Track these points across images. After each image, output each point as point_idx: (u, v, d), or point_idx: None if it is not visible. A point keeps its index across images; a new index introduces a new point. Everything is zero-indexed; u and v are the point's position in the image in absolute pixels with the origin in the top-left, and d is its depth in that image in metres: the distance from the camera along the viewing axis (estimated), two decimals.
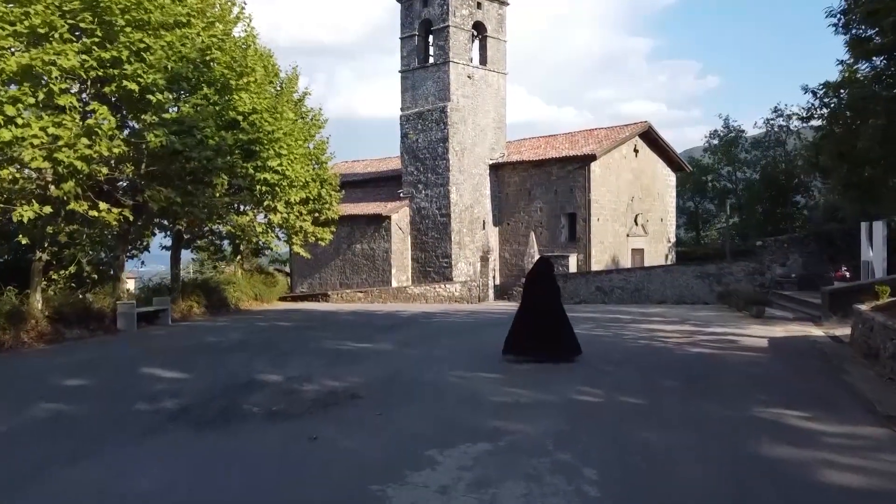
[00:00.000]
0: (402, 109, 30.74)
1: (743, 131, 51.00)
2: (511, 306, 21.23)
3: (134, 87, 12.26)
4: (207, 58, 14.81)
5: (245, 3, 17.79)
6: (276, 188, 18.32)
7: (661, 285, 21.72)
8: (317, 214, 23.24)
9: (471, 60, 29.96)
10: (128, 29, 12.18)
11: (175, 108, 14.69)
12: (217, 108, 15.19)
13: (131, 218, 13.18)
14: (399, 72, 30.87)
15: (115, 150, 11.91)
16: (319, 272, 32.88)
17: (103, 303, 14.78)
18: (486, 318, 16.99)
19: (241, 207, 17.33)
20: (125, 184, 14.24)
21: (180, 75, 13.36)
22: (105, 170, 12.68)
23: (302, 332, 14.05)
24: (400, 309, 20.00)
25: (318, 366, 9.25)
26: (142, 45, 12.44)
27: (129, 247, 17.07)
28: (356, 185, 37.44)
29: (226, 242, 19.76)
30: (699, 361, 9.45)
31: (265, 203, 18.95)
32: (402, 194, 30.96)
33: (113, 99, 13.19)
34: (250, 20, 17.66)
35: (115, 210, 12.58)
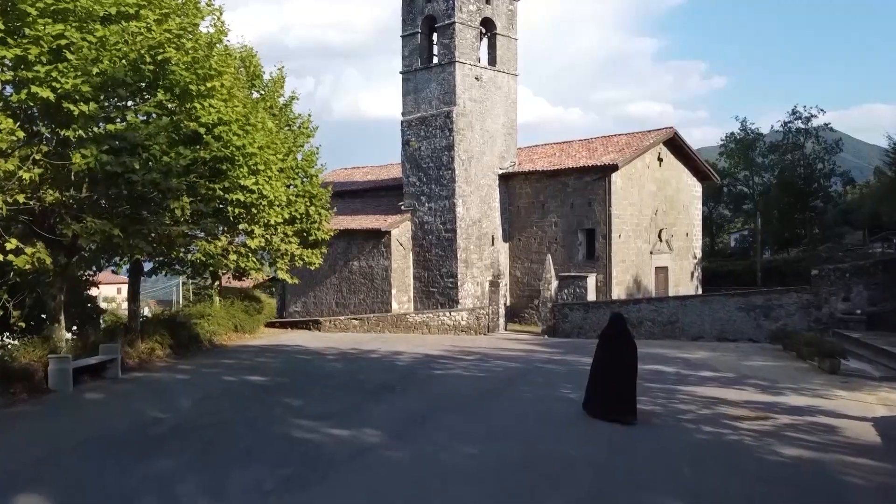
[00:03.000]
0: (403, 114, 28.02)
1: (761, 134, 48.63)
2: (524, 341, 18.57)
3: (47, 94, 9.58)
4: (160, 57, 12.10)
5: None
6: (253, 209, 15.65)
7: (699, 318, 18.92)
8: (305, 234, 20.55)
9: (478, 60, 27.22)
10: (42, 20, 9.53)
11: (121, 120, 11.99)
12: (173, 118, 12.50)
13: (48, 261, 10.48)
14: (400, 73, 28.16)
15: (25, 175, 9.25)
16: (314, 290, 30.20)
17: (33, 356, 12.12)
18: (501, 367, 14.23)
19: (214, 232, 14.63)
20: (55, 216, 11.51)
21: (117, 80, 10.65)
22: (21, 197, 9.98)
23: (269, 396, 11.31)
24: (398, 349, 17.25)
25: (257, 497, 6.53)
26: (63, 42, 9.78)
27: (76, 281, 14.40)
28: (355, 195, 34.83)
29: (190, 271, 17.05)
30: (806, 481, 6.68)
31: (241, 226, 16.30)
32: (403, 207, 28.25)
33: (25, 109, 10.51)
34: (220, 13, 14.95)
35: (28, 251, 9.92)
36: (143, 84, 11.78)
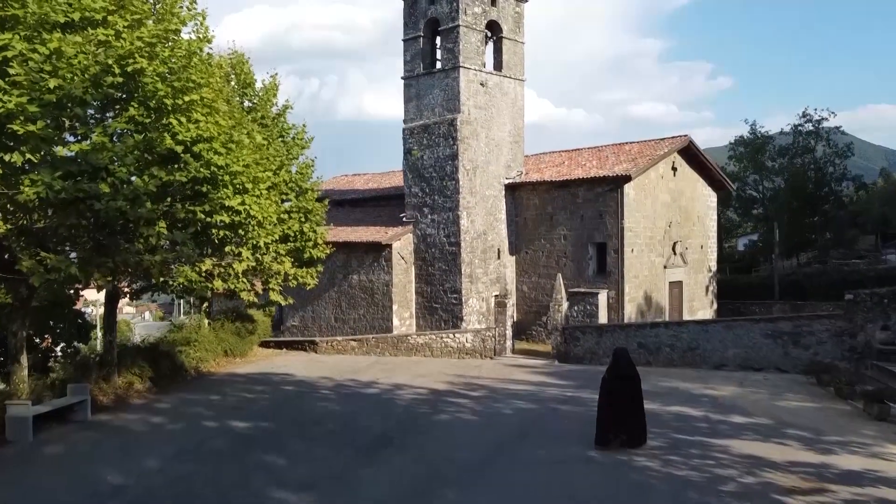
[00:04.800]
0: (404, 122, 26.71)
1: (771, 137, 47.44)
2: (533, 368, 17.21)
3: None
4: (130, 69, 10.83)
5: None
6: (240, 230, 14.37)
7: (721, 344, 17.56)
8: (299, 252, 19.26)
9: (484, 65, 25.89)
10: None
11: (86, 140, 10.73)
12: (147, 136, 11.23)
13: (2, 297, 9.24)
14: (402, 78, 26.86)
15: None
16: (312, 305, 28.92)
17: None
18: (511, 409, 12.91)
19: (193, 260, 13.32)
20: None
21: (73, 97, 9.38)
22: None
23: (250, 452, 10.02)
24: (398, 381, 15.93)
25: None
26: (9, 54, 8.52)
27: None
28: (355, 204, 33.59)
29: (174, 294, 15.80)
30: None
31: (227, 248, 15.01)
32: (405, 219, 26.94)
33: None
34: (203, 18, 13.63)
35: None
36: (106, 100, 10.49)
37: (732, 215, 53.61)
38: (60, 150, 9.28)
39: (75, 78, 9.41)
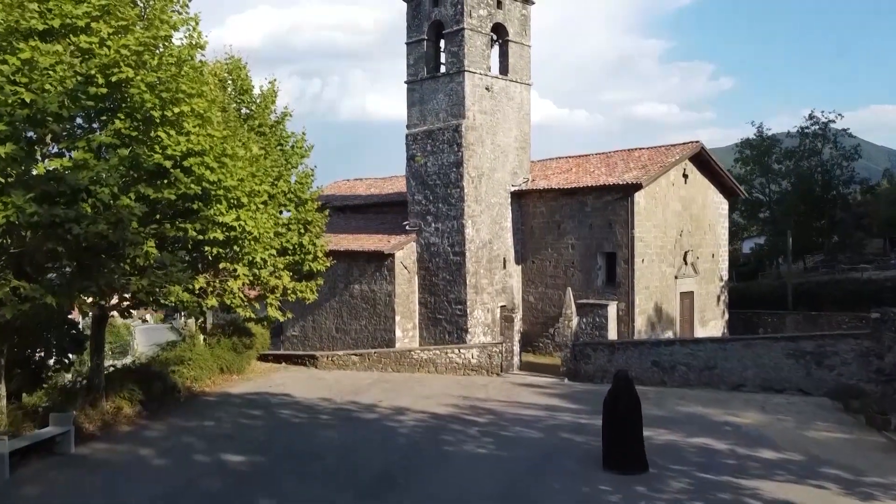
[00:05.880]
0: (408, 127, 25.96)
1: (779, 140, 46.73)
2: (542, 389, 16.43)
3: None
4: (114, 78, 10.09)
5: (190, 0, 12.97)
6: (235, 246, 13.63)
7: (740, 363, 16.75)
8: (298, 266, 18.52)
9: (489, 69, 25.13)
10: None
11: (68, 154, 9.99)
12: (133, 151, 10.49)
13: None
14: (405, 83, 26.10)
15: None
16: (313, 314, 28.18)
17: None
18: (522, 441, 12.14)
19: (182, 282, 12.54)
20: None
21: (47, 112, 8.62)
22: None
23: (241, 495, 9.26)
24: (401, 404, 15.14)
25: None
26: None
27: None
28: (357, 210, 32.86)
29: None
30: None
31: (221, 266, 14.29)
32: (407, 227, 26.18)
33: None
34: (196, 23, 12.87)
35: None
36: (86, 114, 9.74)
37: (738, 218, 52.88)
38: (41, 167, 8.52)
39: (51, 91, 8.65)
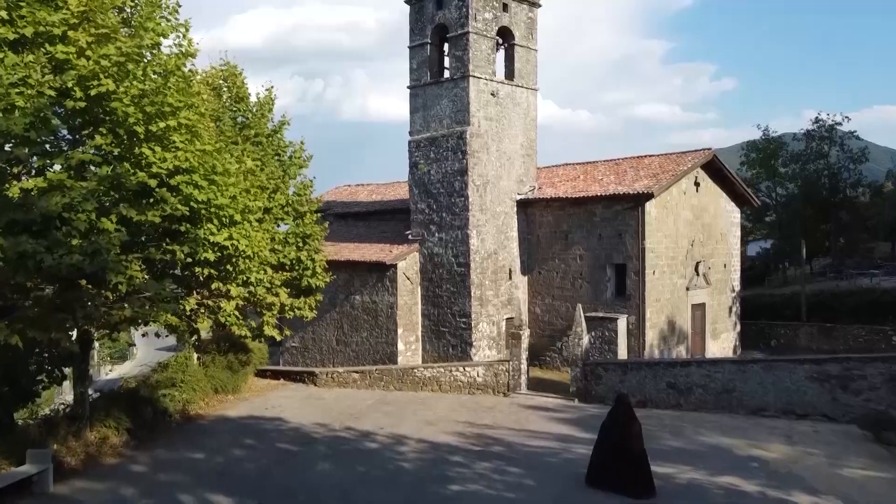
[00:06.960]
0: (410, 133, 25.16)
1: (784, 143, 46.02)
2: (552, 412, 15.62)
3: None
4: (93, 92, 9.29)
5: (180, 5, 12.15)
6: (228, 265, 12.84)
7: (760, 387, 15.91)
8: (296, 282, 17.72)
9: (494, 74, 24.30)
10: None
11: (43, 174, 9.17)
12: (115, 170, 9.68)
13: None
14: (408, 88, 25.30)
15: None
16: (313, 325, 27.32)
17: None
18: (535, 485, 11.30)
19: (168, 308, 11.74)
20: None
21: (10, 134, 7.82)
22: None
23: None
24: (402, 432, 14.32)
25: None
26: None
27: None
28: (358, 218, 32.03)
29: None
30: None
31: (214, 286, 13.49)
32: (410, 237, 25.38)
33: None
34: (186, 30, 12.05)
35: None
36: (52, 136, 8.95)
37: (744, 222, 52.10)
38: (14, 190, 7.70)
39: (19, 109, 7.85)
